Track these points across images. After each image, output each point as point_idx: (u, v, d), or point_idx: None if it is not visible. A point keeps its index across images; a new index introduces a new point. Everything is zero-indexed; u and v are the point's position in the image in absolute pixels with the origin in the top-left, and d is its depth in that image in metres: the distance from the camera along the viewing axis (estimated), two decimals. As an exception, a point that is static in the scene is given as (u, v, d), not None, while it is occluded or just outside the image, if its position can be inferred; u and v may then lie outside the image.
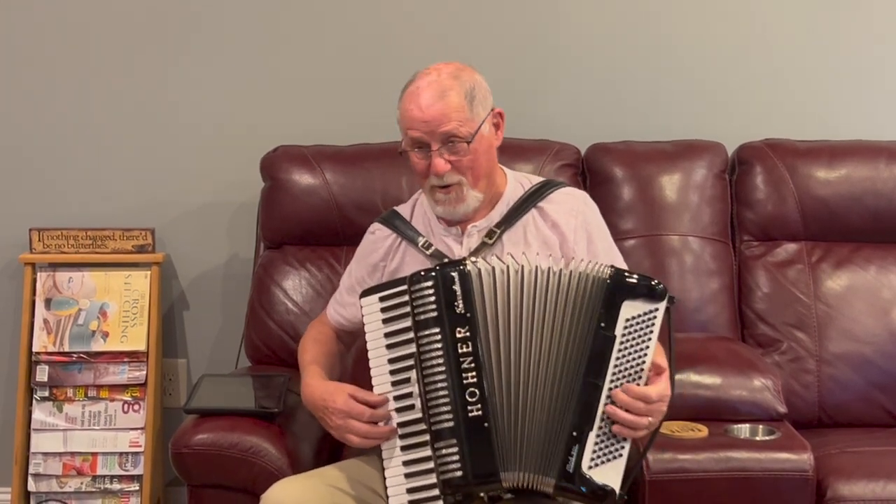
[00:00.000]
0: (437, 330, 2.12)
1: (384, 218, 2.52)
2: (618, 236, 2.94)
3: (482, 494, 2.13)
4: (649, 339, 2.09)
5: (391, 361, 2.17)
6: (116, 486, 3.13)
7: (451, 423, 2.10)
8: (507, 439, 2.11)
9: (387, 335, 2.17)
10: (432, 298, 2.13)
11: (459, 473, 2.09)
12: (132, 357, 3.12)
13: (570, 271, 2.13)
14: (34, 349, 3.12)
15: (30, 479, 3.13)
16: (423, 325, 2.13)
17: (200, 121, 3.27)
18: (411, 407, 2.14)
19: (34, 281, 3.16)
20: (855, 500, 2.45)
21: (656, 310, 2.09)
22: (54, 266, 3.18)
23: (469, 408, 2.09)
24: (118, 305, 3.14)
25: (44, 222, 3.20)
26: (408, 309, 2.15)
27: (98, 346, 3.12)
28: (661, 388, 2.11)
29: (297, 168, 3.03)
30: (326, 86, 3.25)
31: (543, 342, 2.12)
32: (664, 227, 2.99)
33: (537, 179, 2.50)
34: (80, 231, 3.17)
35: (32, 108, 3.28)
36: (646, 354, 2.09)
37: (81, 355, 3.12)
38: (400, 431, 2.15)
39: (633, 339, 2.09)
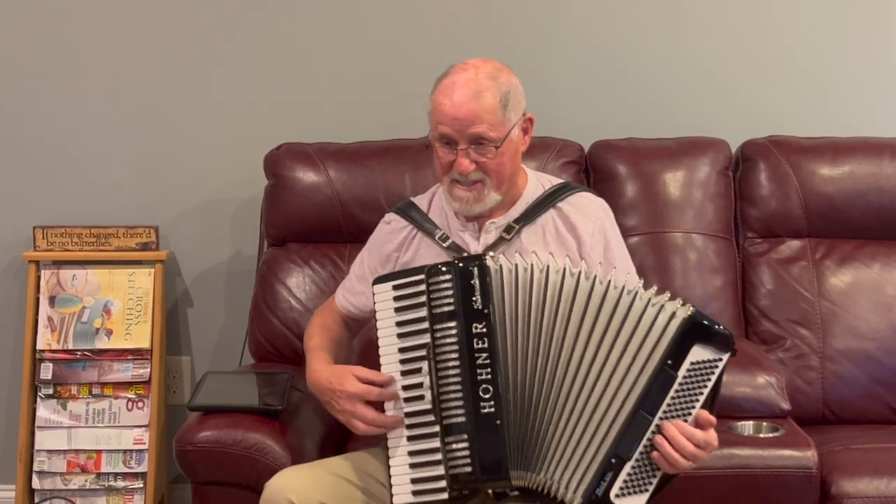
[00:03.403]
0: (452, 324, 2.11)
1: (400, 208, 2.50)
2: (621, 233, 2.94)
3: (489, 490, 2.13)
4: (704, 387, 2.05)
5: (402, 351, 2.17)
6: (120, 483, 3.13)
7: (462, 419, 2.09)
8: (521, 439, 2.10)
9: (399, 324, 2.17)
10: (450, 292, 2.12)
11: (468, 469, 2.08)
12: (136, 354, 3.13)
13: (636, 294, 2.08)
14: (38, 347, 3.13)
15: (34, 476, 3.13)
16: (438, 319, 2.12)
17: (204, 119, 3.27)
18: (420, 398, 2.14)
19: (38, 278, 3.17)
20: (859, 497, 2.45)
21: (720, 360, 2.05)
22: (58, 264, 3.18)
23: (482, 404, 2.08)
24: (122, 303, 3.15)
25: (48, 220, 3.20)
26: (423, 299, 2.14)
27: (102, 343, 3.12)
28: (711, 437, 2.07)
29: (301, 165, 3.03)
30: (329, 83, 3.26)
31: (577, 351, 2.09)
32: (668, 224, 2.99)
33: (557, 181, 2.49)
34: (83, 229, 3.17)
35: (36, 107, 3.28)
36: (697, 401, 2.05)
37: (85, 353, 3.12)
38: (407, 421, 2.15)
39: (691, 383, 2.05)
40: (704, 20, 3.23)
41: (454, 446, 2.09)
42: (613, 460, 2.05)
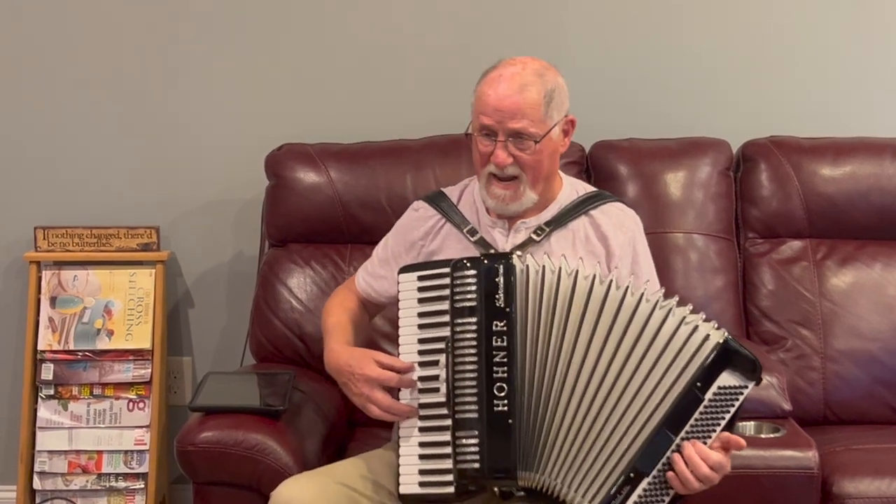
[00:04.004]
0: (473, 320, 2.10)
1: (430, 197, 2.49)
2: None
3: (495, 489, 2.13)
4: (727, 413, 2.04)
5: (422, 341, 2.17)
6: (121, 484, 3.13)
7: (475, 414, 2.08)
8: (531, 440, 2.09)
9: (421, 315, 2.17)
10: (473, 288, 2.11)
11: (476, 465, 2.08)
12: (137, 355, 3.12)
13: (669, 310, 2.06)
14: (39, 347, 3.12)
15: (35, 477, 3.13)
16: (459, 313, 2.12)
17: (205, 119, 3.27)
18: (436, 390, 2.14)
19: (39, 279, 3.17)
20: (860, 498, 2.45)
21: (746, 388, 2.04)
22: (59, 264, 3.18)
23: (495, 402, 2.08)
24: (123, 303, 3.15)
25: (49, 220, 3.20)
26: (446, 292, 2.14)
27: (103, 344, 3.12)
28: (726, 460, 2.06)
29: (302, 166, 3.03)
30: (331, 84, 3.26)
31: (602, 361, 2.07)
32: (669, 225, 2.99)
33: (591, 188, 2.49)
34: (84, 229, 3.17)
35: (36, 107, 3.28)
36: (718, 425, 2.04)
37: (86, 353, 3.12)
38: (420, 412, 2.15)
39: (715, 407, 2.04)
40: (705, 21, 3.23)
41: (464, 441, 2.09)
42: (632, 475, 2.04)
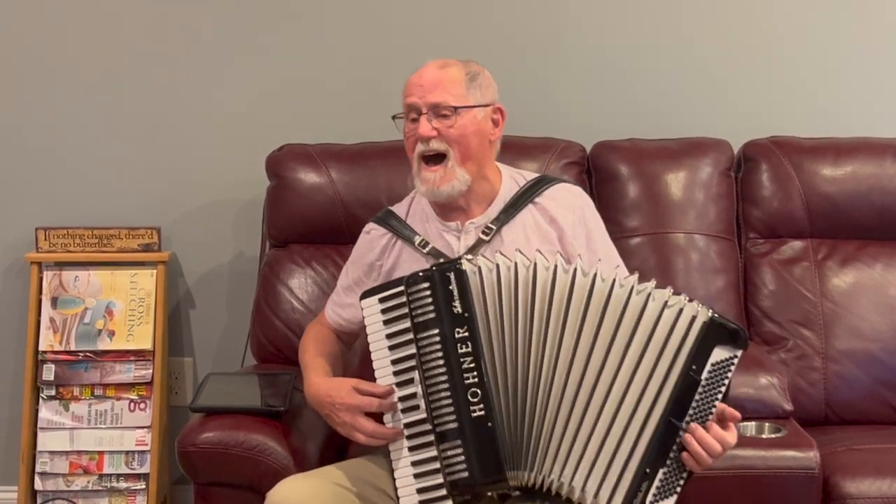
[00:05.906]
0: (435, 331, 2.11)
1: (379, 217, 2.52)
2: (623, 234, 2.94)
3: (490, 493, 2.13)
4: (723, 385, 2.05)
5: (394, 362, 2.17)
6: (123, 484, 3.13)
7: (454, 424, 2.09)
8: (518, 438, 2.09)
9: (388, 336, 2.17)
10: (429, 300, 2.12)
11: (466, 474, 2.08)
12: (138, 356, 3.13)
13: (648, 294, 2.06)
14: (40, 348, 3.13)
15: (36, 477, 3.13)
16: (421, 327, 2.12)
17: (206, 119, 3.28)
18: (416, 407, 2.14)
19: (40, 280, 3.17)
20: (861, 498, 2.45)
21: (736, 357, 2.05)
22: (60, 265, 3.18)
23: (472, 408, 2.08)
24: (124, 304, 3.15)
25: (50, 221, 3.21)
26: (406, 310, 2.15)
27: (104, 344, 3.12)
28: (734, 435, 2.09)
29: (303, 167, 3.04)
30: (331, 84, 3.26)
31: (579, 353, 2.06)
32: (670, 225, 2.99)
33: (532, 175, 2.49)
34: (85, 230, 3.18)
35: (37, 108, 3.28)
36: (717, 399, 2.05)
37: (87, 354, 3.12)
38: (406, 432, 2.15)
39: (712, 384, 2.04)
40: (706, 20, 3.23)
41: (449, 453, 2.09)
42: (648, 470, 2.04)
